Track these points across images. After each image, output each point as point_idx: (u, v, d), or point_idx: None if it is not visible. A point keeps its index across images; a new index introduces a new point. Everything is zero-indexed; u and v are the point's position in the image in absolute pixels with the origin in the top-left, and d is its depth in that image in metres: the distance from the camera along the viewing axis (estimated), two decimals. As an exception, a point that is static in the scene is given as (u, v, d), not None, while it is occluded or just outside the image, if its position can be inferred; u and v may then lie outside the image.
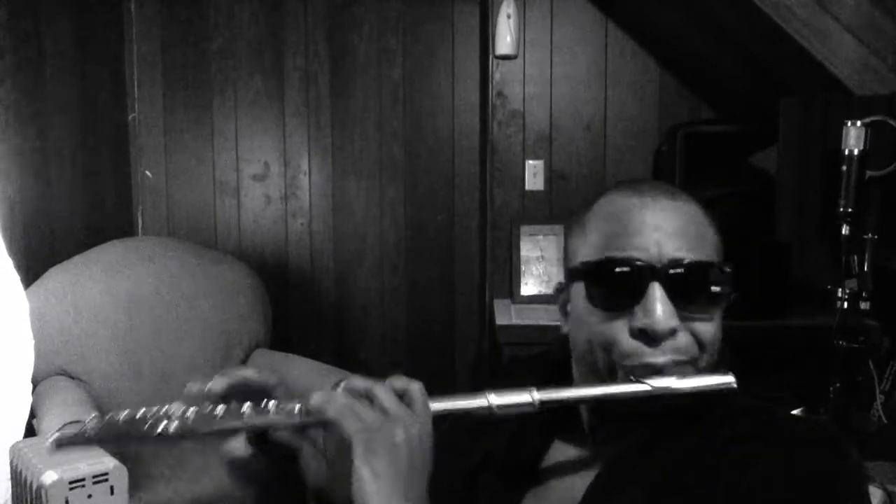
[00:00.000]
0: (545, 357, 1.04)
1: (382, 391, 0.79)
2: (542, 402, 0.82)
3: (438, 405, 0.81)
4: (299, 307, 3.39)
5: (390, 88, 3.34)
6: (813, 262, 2.43)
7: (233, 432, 0.80)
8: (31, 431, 2.22)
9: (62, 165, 2.86)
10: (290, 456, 0.84)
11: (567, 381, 0.94)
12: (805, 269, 2.53)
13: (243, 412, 0.77)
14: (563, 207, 3.10)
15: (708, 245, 0.89)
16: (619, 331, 0.85)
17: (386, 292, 3.42)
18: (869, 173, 1.71)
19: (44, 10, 2.76)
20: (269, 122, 3.34)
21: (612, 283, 0.86)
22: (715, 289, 0.87)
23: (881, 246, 1.72)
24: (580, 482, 0.88)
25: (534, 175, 3.11)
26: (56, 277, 2.65)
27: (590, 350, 0.88)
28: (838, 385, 1.72)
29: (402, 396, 0.79)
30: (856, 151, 1.69)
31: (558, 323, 0.96)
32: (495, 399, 0.81)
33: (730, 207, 2.61)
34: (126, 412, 0.77)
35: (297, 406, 0.79)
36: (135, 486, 1.91)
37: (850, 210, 1.69)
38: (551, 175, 3.11)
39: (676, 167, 2.70)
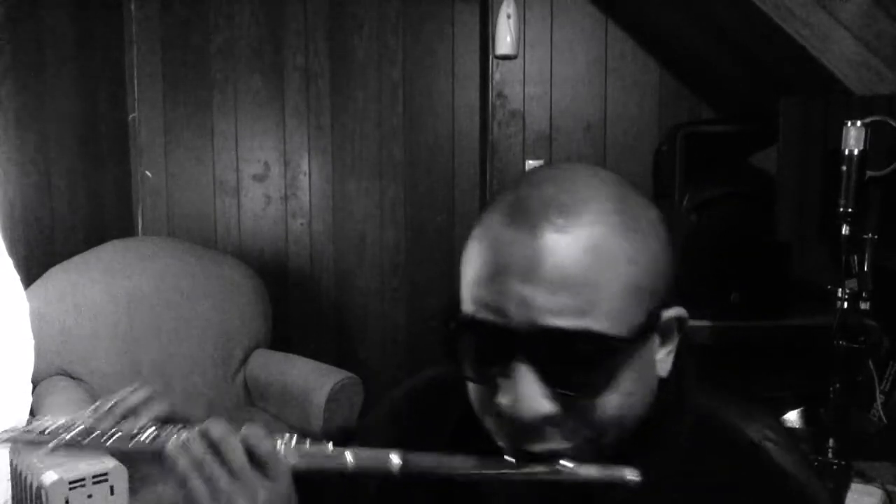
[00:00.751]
0: None
1: (233, 450, 0.70)
2: (403, 470, 0.69)
3: (298, 461, 0.72)
4: (299, 307, 3.39)
5: (390, 88, 3.34)
6: (813, 262, 2.43)
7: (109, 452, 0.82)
8: (31, 431, 2.22)
9: (62, 165, 2.86)
10: None
11: None
12: (805, 269, 2.53)
13: (90, 436, 0.80)
14: (563, 207, 3.10)
15: (608, 297, 0.63)
16: (488, 407, 0.68)
17: (386, 292, 3.42)
18: (869, 173, 1.71)
19: (44, 10, 2.76)
20: (269, 122, 3.33)
21: (473, 352, 0.67)
22: (599, 368, 0.64)
23: (881, 246, 1.72)
24: None
25: (534, 175, 3.10)
26: (56, 277, 2.65)
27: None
28: (838, 385, 1.72)
29: (254, 455, 0.71)
30: (856, 151, 1.69)
31: None
32: (351, 460, 0.71)
33: (730, 207, 2.61)
34: (34, 425, 0.82)
35: (162, 441, 0.76)
36: (135, 486, 1.91)
37: (850, 210, 1.69)
38: (551, 175, 3.10)
39: (676, 167, 2.70)
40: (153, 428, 0.79)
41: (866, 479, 1.62)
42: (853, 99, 1.97)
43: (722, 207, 2.61)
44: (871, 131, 1.70)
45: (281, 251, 3.38)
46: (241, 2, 3.26)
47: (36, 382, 2.27)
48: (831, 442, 1.71)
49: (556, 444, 0.66)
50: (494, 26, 3.02)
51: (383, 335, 3.44)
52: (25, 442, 0.82)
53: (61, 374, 2.58)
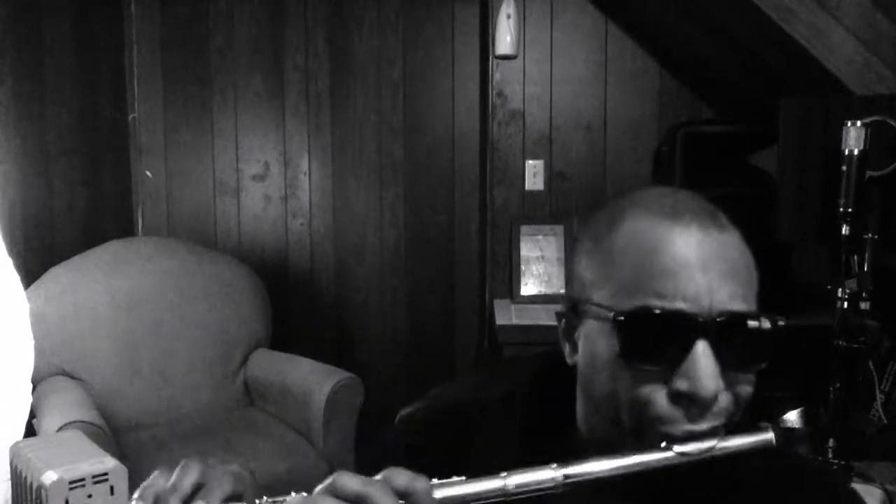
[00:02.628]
0: (547, 359, 0.87)
1: (381, 495, 0.62)
2: (567, 479, 0.68)
3: (449, 494, 0.66)
4: (299, 307, 3.39)
5: (390, 88, 3.34)
6: (813, 262, 2.43)
7: None
8: (31, 431, 2.22)
9: (62, 165, 2.86)
10: None
11: (569, 391, 0.81)
12: (805, 269, 2.53)
13: None
14: (563, 207, 3.10)
15: (755, 287, 0.75)
16: (655, 392, 0.71)
17: (386, 292, 3.42)
18: (869, 173, 1.71)
19: (44, 10, 2.76)
20: (269, 122, 3.34)
21: (651, 338, 0.71)
22: (763, 346, 0.74)
23: (881, 246, 1.72)
24: None
25: (534, 175, 3.10)
26: (56, 277, 2.65)
27: (612, 404, 0.73)
28: (838, 385, 1.72)
29: (404, 498, 0.64)
30: (856, 151, 1.69)
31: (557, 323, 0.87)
32: (513, 480, 0.68)
33: (730, 207, 2.61)
34: None
35: None
36: (135, 486, 1.91)
37: (850, 210, 1.69)
38: (551, 175, 3.11)
39: (676, 167, 2.70)
40: None
41: (866, 479, 1.61)
42: (853, 99, 1.97)
43: (722, 207, 2.61)
44: (871, 131, 1.70)
45: (281, 251, 3.38)
46: (241, 2, 3.26)
47: (36, 382, 2.26)
48: (831, 442, 1.72)
49: (713, 421, 0.71)
50: (494, 26, 3.02)
51: (383, 335, 3.44)
52: None
53: (61, 374, 2.58)
